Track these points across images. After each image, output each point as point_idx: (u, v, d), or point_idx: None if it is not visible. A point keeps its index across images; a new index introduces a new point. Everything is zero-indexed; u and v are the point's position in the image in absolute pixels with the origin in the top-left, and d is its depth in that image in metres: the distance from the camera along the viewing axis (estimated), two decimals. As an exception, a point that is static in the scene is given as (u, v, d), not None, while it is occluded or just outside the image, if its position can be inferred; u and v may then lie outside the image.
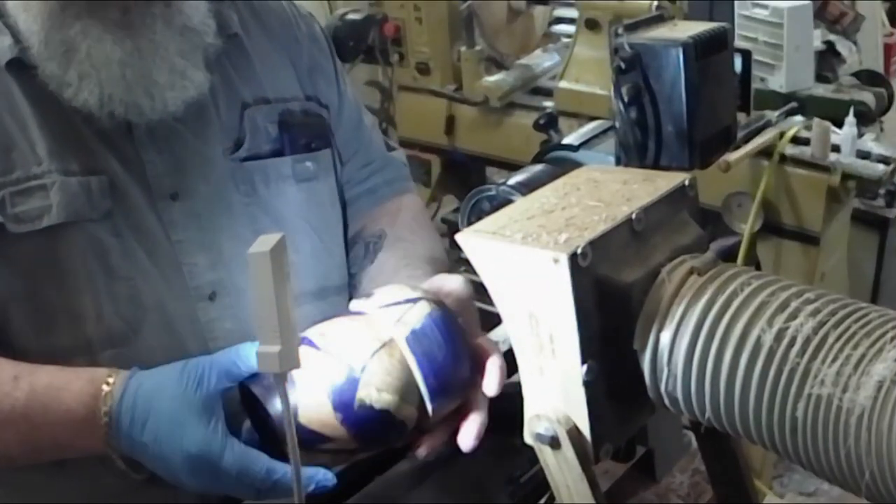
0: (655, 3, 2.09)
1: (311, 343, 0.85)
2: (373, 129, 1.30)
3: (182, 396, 0.83)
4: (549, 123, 1.06)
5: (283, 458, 0.83)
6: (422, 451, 0.86)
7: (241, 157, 1.05)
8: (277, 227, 1.03)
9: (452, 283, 0.94)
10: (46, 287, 0.94)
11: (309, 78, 1.16)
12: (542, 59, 2.77)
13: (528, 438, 0.71)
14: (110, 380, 0.87)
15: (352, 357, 0.83)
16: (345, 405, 0.82)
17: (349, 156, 1.22)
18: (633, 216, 0.69)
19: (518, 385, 0.76)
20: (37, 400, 0.88)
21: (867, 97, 2.23)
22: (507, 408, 0.84)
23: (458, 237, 0.70)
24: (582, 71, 2.39)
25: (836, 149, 2.01)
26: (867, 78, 2.40)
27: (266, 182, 1.07)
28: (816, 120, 2.02)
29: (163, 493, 0.96)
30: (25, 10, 0.93)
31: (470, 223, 0.74)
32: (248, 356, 0.84)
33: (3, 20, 0.96)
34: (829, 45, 2.43)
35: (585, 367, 0.65)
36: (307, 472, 0.83)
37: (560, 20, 2.75)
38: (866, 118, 2.16)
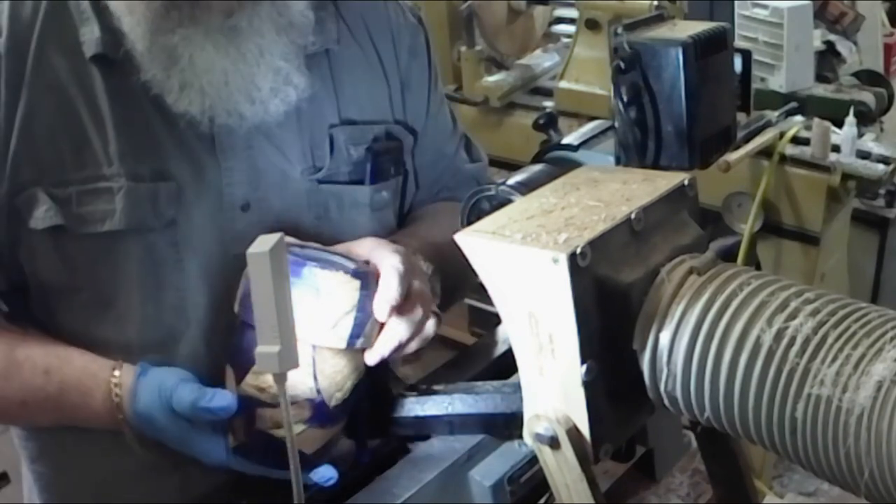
0: (655, 2, 2.09)
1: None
2: (458, 149, 1.25)
3: (169, 425, 0.88)
4: (548, 123, 1.06)
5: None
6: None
7: (318, 178, 1.03)
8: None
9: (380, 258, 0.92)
10: (99, 286, 0.95)
11: (401, 97, 1.11)
12: (542, 59, 2.77)
13: (528, 438, 0.70)
14: (117, 391, 0.91)
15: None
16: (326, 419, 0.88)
17: (426, 180, 1.18)
18: (633, 216, 0.69)
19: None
20: (67, 399, 0.93)
21: (867, 97, 2.23)
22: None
23: (458, 237, 0.70)
24: (582, 71, 2.39)
25: (836, 149, 2.01)
26: (867, 78, 2.40)
27: (340, 208, 1.04)
28: (816, 120, 2.02)
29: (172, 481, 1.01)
30: (130, 13, 0.91)
31: (469, 223, 0.74)
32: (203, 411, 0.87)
33: (93, 7, 0.93)
34: (829, 45, 2.42)
35: (585, 367, 0.65)
36: (310, 475, 0.88)
37: (560, 20, 2.75)
38: (866, 118, 2.16)
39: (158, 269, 0.95)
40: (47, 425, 1.01)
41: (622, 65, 0.87)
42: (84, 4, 0.93)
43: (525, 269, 0.66)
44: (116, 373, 0.92)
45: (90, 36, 0.92)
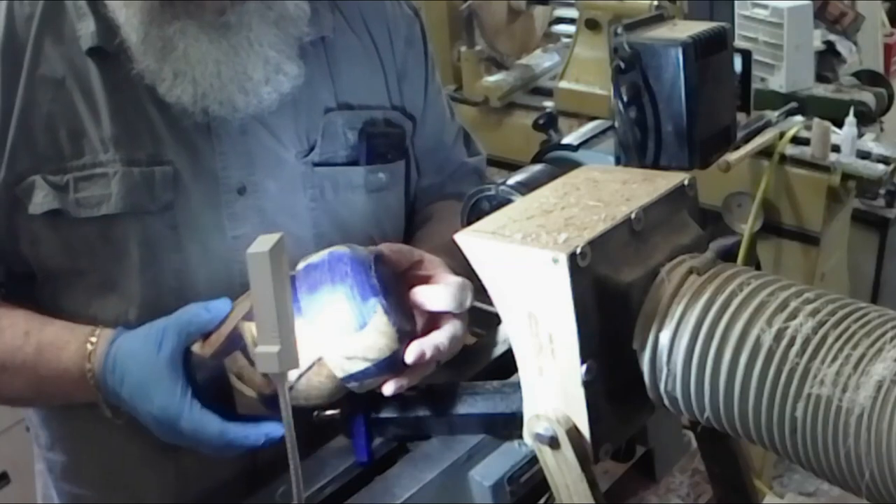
0: (655, 2, 2.09)
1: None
2: (456, 139, 1.28)
3: (146, 361, 0.88)
4: (548, 123, 1.06)
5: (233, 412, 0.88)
6: (388, 389, 0.87)
7: (312, 161, 1.05)
8: (340, 234, 1.04)
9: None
10: (101, 268, 0.98)
11: (398, 85, 1.14)
12: (542, 59, 2.77)
13: (528, 438, 0.70)
14: (93, 339, 0.92)
15: None
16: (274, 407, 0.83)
17: (427, 169, 1.21)
18: (633, 216, 0.69)
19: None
20: (42, 356, 0.95)
21: (867, 97, 2.23)
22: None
23: (458, 237, 0.70)
24: (582, 71, 2.39)
25: (836, 149, 2.01)
26: (867, 78, 2.40)
27: (335, 189, 1.07)
28: (816, 120, 2.02)
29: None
30: (126, 6, 0.94)
31: (469, 223, 0.74)
32: (196, 314, 0.88)
33: (89, 4, 0.97)
34: (829, 45, 2.42)
35: (585, 367, 0.65)
36: (260, 428, 0.87)
37: (560, 20, 2.75)
38: (866, 118, 2.16)
39: (158, 252, 0.98)
40: (23, 395, 1.00)
41: (622, 65, 0.87)
42: (81, 3, 0.97)
43: (525, 269, 0.66)
44: (97, 331, 0.94)
45: (86, 30, 0.96)
